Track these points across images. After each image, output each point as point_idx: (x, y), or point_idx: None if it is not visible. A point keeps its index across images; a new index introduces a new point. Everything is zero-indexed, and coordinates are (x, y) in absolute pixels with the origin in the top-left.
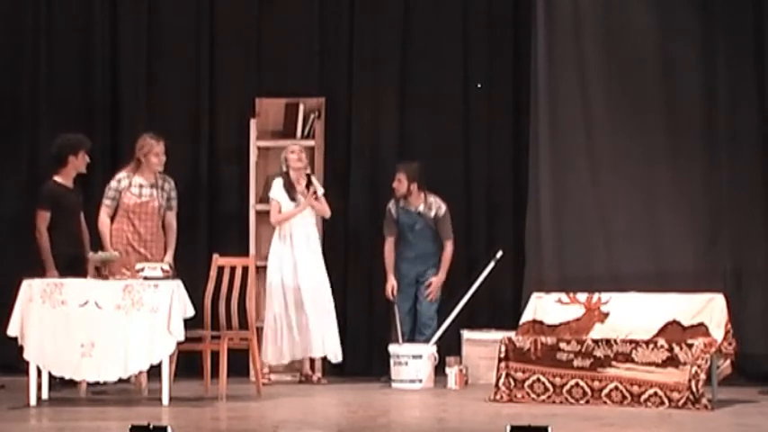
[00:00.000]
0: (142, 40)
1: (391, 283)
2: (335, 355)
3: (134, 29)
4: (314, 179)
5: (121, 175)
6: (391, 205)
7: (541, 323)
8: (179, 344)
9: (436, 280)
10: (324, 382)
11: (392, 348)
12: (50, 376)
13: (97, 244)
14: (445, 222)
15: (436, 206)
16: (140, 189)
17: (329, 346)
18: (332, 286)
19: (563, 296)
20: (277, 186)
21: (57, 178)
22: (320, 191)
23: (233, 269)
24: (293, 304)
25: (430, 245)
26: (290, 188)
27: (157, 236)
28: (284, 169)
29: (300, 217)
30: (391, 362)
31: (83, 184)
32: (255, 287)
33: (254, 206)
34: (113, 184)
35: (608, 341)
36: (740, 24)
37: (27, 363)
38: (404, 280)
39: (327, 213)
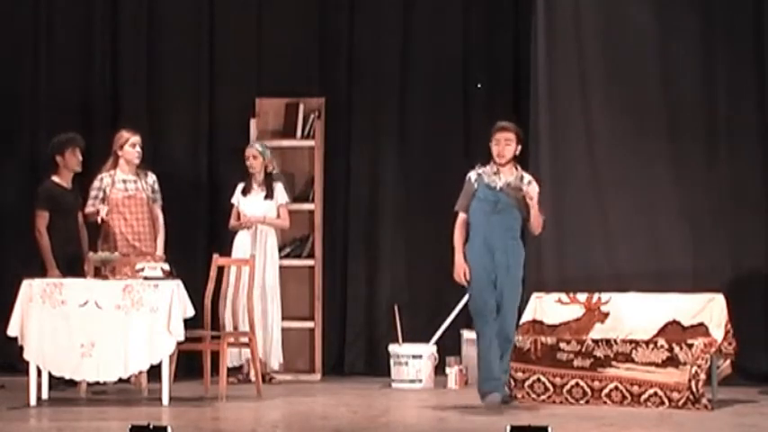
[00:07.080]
0: (142, 40)
1: (462, 265)
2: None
3: (134, 29)
4: (279, 188)
5: (102, 174)
6: (473, 174)
7: (541, 323)
8: (179, 344)
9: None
10: (276, 381)
11: (392, 348)
12: (51, 376)
13: (96, 243)
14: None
15: (527, 180)
16: (125, 184)
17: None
18: (331, 286)
19: (563, 296)
20: (237, 191)
21: (54, 178)
22: (284, 198)
23: (233, 269)
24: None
25: (508, 234)
26: (247, 191)
27: (149, 228)
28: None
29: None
30: (391, 362)
31: (81, 184)
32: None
33: None
34: (96, 183)
35: (608, 341)
36: (740, 24)
37: (27, 363)
38: (482, 274)
39: (285, 225)
